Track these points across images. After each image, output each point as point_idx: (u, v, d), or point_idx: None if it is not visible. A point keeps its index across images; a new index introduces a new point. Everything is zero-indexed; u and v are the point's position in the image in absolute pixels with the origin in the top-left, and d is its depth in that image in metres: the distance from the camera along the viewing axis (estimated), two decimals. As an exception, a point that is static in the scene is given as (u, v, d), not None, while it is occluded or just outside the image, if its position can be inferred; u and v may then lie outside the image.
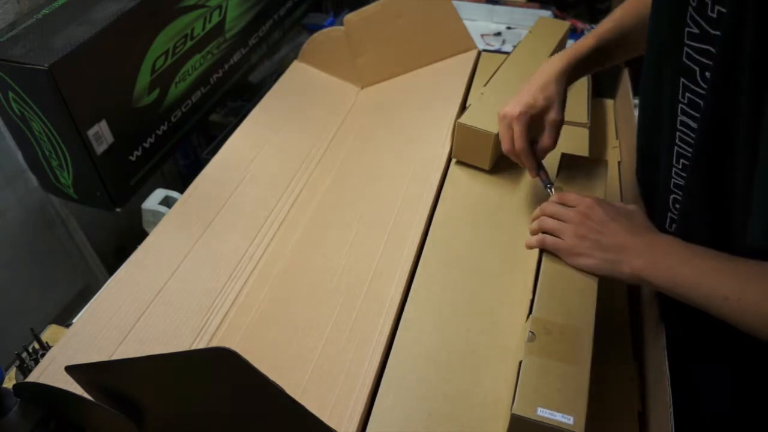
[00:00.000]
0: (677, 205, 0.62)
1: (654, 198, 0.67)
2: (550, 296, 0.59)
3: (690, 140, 0.57)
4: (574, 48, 0.72)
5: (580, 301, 0.58)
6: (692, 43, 0.53)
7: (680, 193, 0.61)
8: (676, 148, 0.59)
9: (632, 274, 0.56)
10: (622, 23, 0.71)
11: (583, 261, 0.59)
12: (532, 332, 0.55)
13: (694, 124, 0.56)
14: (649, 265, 0.55)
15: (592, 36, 0.72)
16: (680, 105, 0.56)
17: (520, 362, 0.54)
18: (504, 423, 0.52)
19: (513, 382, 0.57)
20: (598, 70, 0.76)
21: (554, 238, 0.61)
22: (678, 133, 0.58)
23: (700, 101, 0.54)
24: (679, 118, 0.57)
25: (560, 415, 0.49)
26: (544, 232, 0.63)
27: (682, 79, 0.55)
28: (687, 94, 0.55)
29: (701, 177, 0.56)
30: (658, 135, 0.63)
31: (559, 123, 0.69)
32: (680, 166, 0.60)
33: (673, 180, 0.61)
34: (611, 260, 0.57)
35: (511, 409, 0.49)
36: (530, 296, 0.61)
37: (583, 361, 0.53)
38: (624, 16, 0.71)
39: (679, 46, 0.54)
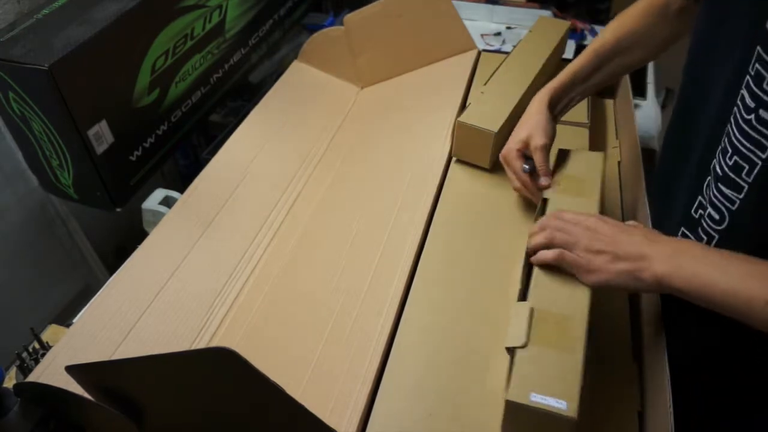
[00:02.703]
0: (711, 190, 0.59)
1: (680, 180, 0.65)
2: (544, 286, 0.58)
3: (740, 118, 0.53)
4: (553, 79, 0.76)
5: (573, 290, 0.58)
6: None
7: (718, 177, 0.57)
8: (728, 124, 0.55)
9: (655, 281, 0.53)
10: (597, 52, 0.75)
11: (600, 277, 0.56)
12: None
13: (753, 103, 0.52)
14: (675, 271, 0.52)
15: (568, 68, 0.76)
16: (746, 77, 0.53)
17: (513, 350, 0.54)
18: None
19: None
20: (582, 95, 0.79)
21: (573, 254, 0.58)
22: (735, 108, 0.54)
23: None
24: (741, 91, 0.53)
25: (554, 400, 0.49)
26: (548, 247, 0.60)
27: (759, 48, 0.50)
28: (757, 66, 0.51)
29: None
30: (703, 106, 0.60)
31: (542, 146, 0.71)
32: (723, 145, 0.56)
33: (714, 161, 0.58)
34: (630, 270, 0.54)
35: (504, 396, 0.50)
36: (518, 286, 0.61)
37: (577, 348, 0.53)
38: (601, 45, 0.74)
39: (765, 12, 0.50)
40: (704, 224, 0.61)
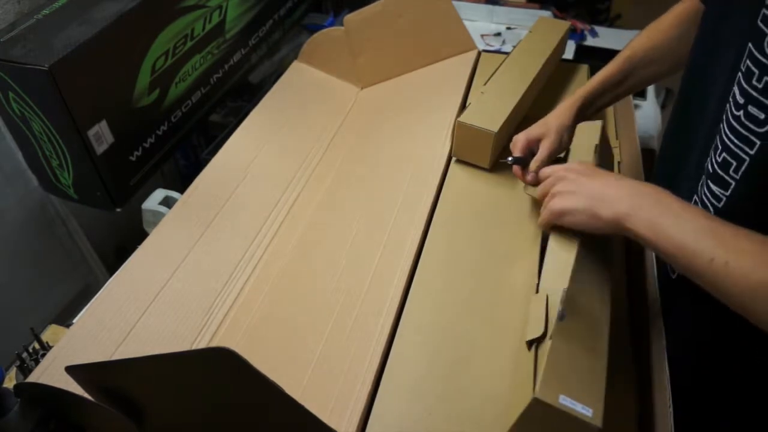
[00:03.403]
0: (706, 188, 0.59)
1: (679, 182, 0.65)
2: (575, 280, 0.57)
3: (730, 115, 0.54)
4: (585, 86, 0.78)
5: (599, 291, 0.57)
6: None
7: (710, 176, 0.58)
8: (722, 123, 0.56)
9: (613, 219, 0.53)
10: (629, 60, 0.75)
11: (567, 219, 0.58)
12: (563, 311, 0.52)
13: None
14: (632, 212, 0.52)
15: (599, 74, 0.77)
16: (738, 73, 0.53)
17: (534, 342, 0.52)
18: (504, 420, 0.52)
19: (512, 380, 0.57)
20: (611, 102, 0.81)
21: (548, 208, 0.60)
22: (727, 105, 0.55)
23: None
24: (733, 88, 0.53)
25: (581, 405, 0.47)
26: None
27: (750, 44, 0.51)
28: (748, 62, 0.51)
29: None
30: (702, 107, 0.61)
31: (546, 156, 0.73)
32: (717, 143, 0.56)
33: (709, 159, 0.58)
34: (590, 208, 0.55)
35: (534, 392, 0.48)
36: (536, 273, 0.61)
37: (601, 351, 0.52)
38: (634, 53, 0.75)
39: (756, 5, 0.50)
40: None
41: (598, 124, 0.73)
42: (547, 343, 0.52)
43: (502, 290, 0.67)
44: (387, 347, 0.62)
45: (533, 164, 0.73)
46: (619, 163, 0.91)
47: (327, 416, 0.57)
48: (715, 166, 0.56)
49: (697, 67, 0.64)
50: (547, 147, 0.73)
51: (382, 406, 0.57)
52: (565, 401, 0.47)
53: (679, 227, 0.49)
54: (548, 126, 0.75)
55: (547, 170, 0.64)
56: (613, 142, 0.96)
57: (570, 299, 0.54)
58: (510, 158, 0.75)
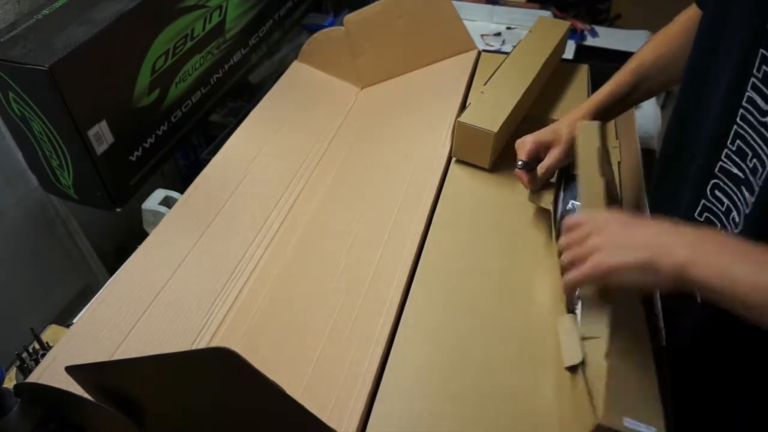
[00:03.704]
0: (717, 192, 0.57)
1: (681, 183, 0.64)
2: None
3: (754, 121, 0.53)
4: (592, 100, 0.76)
5: (631, 301, 0.56)
6: None
7: (727, 180, 0.56)
8: (735, 127, 0.54)
9: (674, 270, 0.46)
10: (636, 71, 0.74)
11: (615, 277, 0.50)
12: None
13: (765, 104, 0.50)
14: (699, 258, 0.46)
15: (607, 86, 0.76)
16: (752, 79, 0.51)
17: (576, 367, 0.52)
18: (503, 421, 0.52)
19: (514, 382, 0.57)
20: (619, 113, 0.80)
21: (590, 263, 0.52)
22: (741, 111, 0.53)
23: None
24: (747, 93, 0.52)
25: (644, 426, 0.45)
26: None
27: (762, 51, 0.50)
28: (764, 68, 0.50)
29: None
30: (703, 110, 0.59)
31: (553, 163, 0.73)
32: (735, 148, 0.55)
33: (720, 163, 0.56)
34: (645, 260, 0.48)
35: (597, 417, 0.45)
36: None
37: (649, 364, 0.50)
38: (641, 63, 0.74)
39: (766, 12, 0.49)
40: (727, 227, 0.59)
41: (595, 125, 0.72)
42: (599, 365, 0.49)
43: (502, 290, 0.67)
44: (387, 347, 0.62)
45: (540, 170, 0.72)
46: (619, 163, 0.91)
47: (327, 416, 0.57)
48: (746, 171, 0.55)
49: (696, 70, 0.64)
50: (556, 155, 0.72)
51: (382, 406, 0.57)
52: (630, 424, 0.45)
53: (758, 269, 0.45)
54: (559, 134, 0.73)
55: (574, 220, 0.57)
56: (613, 142, 0.96)
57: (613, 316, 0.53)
58: (520, 162, 0.74)
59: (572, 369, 0.54)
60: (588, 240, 0.53)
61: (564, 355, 0.55)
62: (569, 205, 0.71)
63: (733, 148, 0.56)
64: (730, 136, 0.56)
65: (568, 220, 0.57)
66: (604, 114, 0.77)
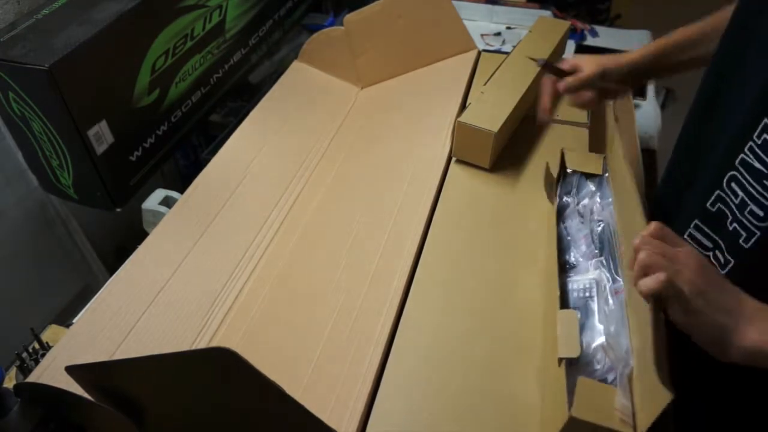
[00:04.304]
0: (733, 185, 0.56)
1: (696, 172, 0.63)
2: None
3: None
4: (659, 39, 0.77)
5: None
6: None
7: (745, 173, 0.55)
8: (765, 119, 0.53)
9: (746, 347, 0.47)
10: (710, 25, 0.72)
11: (698, 320, 0.48)
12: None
13: None
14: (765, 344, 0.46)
15: (678, 30, 0.75)
16: None
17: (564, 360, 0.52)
18: (503, 420, 0.52)
19: (514, 382, 0.57)
20: (678, 66, 0.77)
21: (678, 284, 0.49)
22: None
23: None
24: None
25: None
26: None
27: None
28: None
29: None
30: (733, 102, 0.59)
31: (581, 75, 0.77)
32: (760, 142, 0.54)
33: (742, 156, 0.56)
34: (726, 325, 0.47)
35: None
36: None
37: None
38: (711, 20, 0.72)
39: None
40: (743, 220, 0.58)
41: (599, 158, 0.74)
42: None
43: (502, 290, 0.67)
44: (387, 347, 0.62)
45: (569, 79, 0.76)
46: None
47: (327, 416, 0.57)
48: None
49: (726, 61, 0.62)
50: (586, 74, 0.77)
51: (382, 406, 0.57)
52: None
53: None
54: (601, 64, 0.78)
55: (672, 236, 0.53)
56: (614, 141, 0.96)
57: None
58: (540, 59, 0.77)
59: (569, 363, 0.54)
60: (669, 256, 0.51)
61: (560, 347, 0.55)
62: (563, 200, 0.71)
63: (759, 142, 0.55)
64: (758, 129, 0.55)
65: (636, 242, 0.53)
66: (672, 56, 0.75)
